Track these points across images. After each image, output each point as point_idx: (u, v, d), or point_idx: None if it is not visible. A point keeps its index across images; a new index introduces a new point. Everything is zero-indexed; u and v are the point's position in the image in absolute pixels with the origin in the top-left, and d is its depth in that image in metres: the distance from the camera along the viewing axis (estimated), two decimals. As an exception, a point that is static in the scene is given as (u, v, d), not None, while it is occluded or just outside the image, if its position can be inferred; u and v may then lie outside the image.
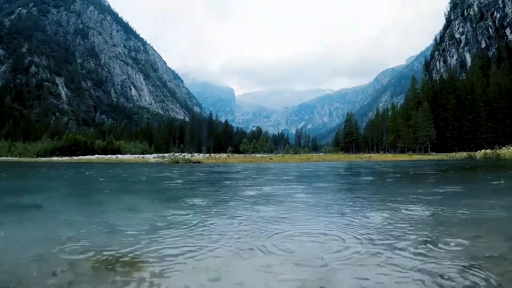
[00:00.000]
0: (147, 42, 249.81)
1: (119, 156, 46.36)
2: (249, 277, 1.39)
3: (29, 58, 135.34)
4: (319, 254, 1.68)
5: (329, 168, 13.95)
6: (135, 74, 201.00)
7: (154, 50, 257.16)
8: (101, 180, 8.60)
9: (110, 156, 45.96)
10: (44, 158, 47.44)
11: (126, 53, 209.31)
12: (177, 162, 21.89)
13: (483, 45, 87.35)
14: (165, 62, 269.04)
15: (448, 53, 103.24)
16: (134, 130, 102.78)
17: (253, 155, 45.59)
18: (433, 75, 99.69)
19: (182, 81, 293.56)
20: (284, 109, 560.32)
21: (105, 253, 1.69)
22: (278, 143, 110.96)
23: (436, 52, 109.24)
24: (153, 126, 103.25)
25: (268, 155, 49.94)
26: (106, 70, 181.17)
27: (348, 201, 3.67)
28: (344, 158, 28.97)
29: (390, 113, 67.69)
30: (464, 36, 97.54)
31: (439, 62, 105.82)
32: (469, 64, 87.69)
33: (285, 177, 7.99)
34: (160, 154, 48.23)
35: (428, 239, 1.95)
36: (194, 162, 21.45)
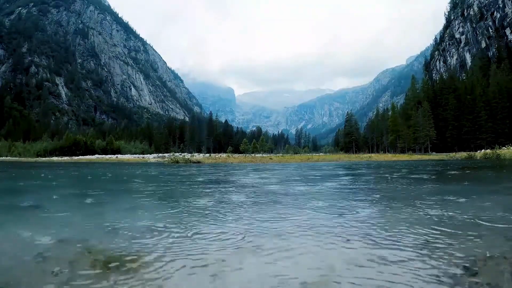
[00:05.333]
0: (147, 42, 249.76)
1: (119, 156, 46.36)
2: (250, 277, 1.38)
3: (29, 58, 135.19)
4: (320, 253, 1.69)
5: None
6: (135, 74, 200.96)
7: (154, 50, 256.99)
8: (100, 180, 8.60)
9: (110, 156, 45.96)
10: (44, 158, 47.41)
11: (126, 53, 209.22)
12: (177, 162, 21.89)
13: (483, 45, 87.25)
14: (165, 62, 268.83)
15: (448, 53, 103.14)
16: (134, 130, 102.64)
17: (253, 155, 45.57)
18: (433, 75, 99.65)
19: (182, 81, 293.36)
20: (284, 109, 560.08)
21: (105, 253, 1.69)
22: (278, 143, 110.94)
23: (436, 52, 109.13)
24: (153, 126, 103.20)
25: (268, 155, 49.92)
26: (106, 70, 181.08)
27: (357, 200, 3.67)
28: (345, 158, 28.98)
29: (390, 113, 67.68)
30: (464, 36, 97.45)
31: (439, 62, 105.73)
32: (469, 64, 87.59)
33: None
34: (160, 154, 48.24)
35: (428, 239, 1.95)
36: (194, 162, 21.44)
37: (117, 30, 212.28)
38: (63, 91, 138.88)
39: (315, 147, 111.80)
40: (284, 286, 1.28)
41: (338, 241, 1.93)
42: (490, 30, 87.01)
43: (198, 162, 21.90)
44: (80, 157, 45.14)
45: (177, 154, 36.90)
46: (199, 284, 1.30)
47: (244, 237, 2.05)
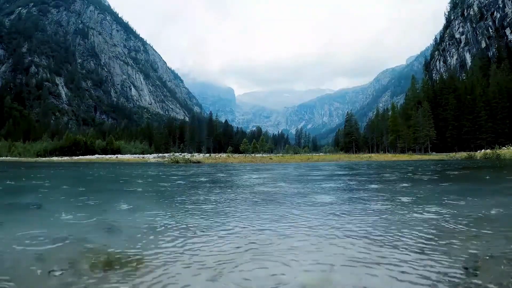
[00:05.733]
0: (147, 42, 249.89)
1: (119, 156, 46.35)
2: (249, 277, 1.37)
3: (29, 58, 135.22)
4: (320, 253, 1.69)
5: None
6: (135, 74, 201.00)
7: (154, 50, 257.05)
8: (100, 180, 8.60)
9: (110, 156, 45.95)
10: (44, 158, 47.41)
11: (126, 53, 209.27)
12: (177, 162, 21.88)
13: (483, 45, 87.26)
14: (165, 62, 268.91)
15: (448, 53, 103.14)
16: (134, 130, 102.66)
17: (253, 155, 45.59)
18: (433, 75, 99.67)
19: (182, 81, 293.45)
20: (284, 109, 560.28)
21: (105, 253, 1.69)
22: (278, 143, 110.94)
23: (436, 52, 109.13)
24: (153, 126, 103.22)
25: (268, 155, 49.92)
26: (106, 70, 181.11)
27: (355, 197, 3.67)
28: (345, 158, 28.99)
29: (390, 113, 67.69)
30: (464, 36, 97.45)
31: (439, 62, 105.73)
32: (469, 64, 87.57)
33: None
34: (160, 154, 48.24)
35: (428, 238, 1.95)
36: (194, 162, 21.44)
37: (117, 30, 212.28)
38: (63, 91, 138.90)
39: (315, 147, 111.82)
40: (284, 286, 1.28)
41: (338, 241, 1.93)
42: (490, 30, 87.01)
43: (198, 162, 21.89)
44: (80, 157, 45.14)
45: (177, 154, 36.90)
46: (199, 284, 1.29)
47: (244, 237, 2.05)
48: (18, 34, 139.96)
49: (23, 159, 47.63)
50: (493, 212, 2.84)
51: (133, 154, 55.73)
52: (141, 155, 47.97)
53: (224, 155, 42.36)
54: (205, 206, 3.42)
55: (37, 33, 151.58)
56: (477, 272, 1.38)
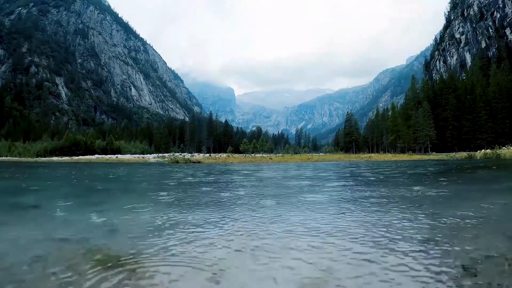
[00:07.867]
0: (147, 42, 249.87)
1: (119, 156, 46.33)
2: (250, 277, 1.38)
3: (29, 58, 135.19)
4: (319, 253, 1.68)
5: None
6: (135, 74, 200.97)
7: (154, 50, 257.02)
8: (100, 180, 8.60)
9: (110, 156, 45.92)
10: (44, 158, 47.38)
11: (126, 53, 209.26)
12: (177, 162, 21.88)
13: (483, 45, 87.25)
14: (165, 62, 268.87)
15: (448, 53, 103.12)
16: (134, 130, 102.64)
17: (253, 155, 45.61)
18: (433, 75, 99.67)
19: (182, 81, 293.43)
20: (284, 109, 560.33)
21: (105, 253, 1.68)
22: (278, 143, 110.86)
23: (436, 52, 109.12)
24: (153, 126, 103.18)
25: (268, 155, 49.92)
26: (106, 70, 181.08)
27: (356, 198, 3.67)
28: (345, 158, 29.00)
29: (390, 113, 67.69)
30: (464, 36, 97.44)
31: (439, 62, 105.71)
32: (469, 64, 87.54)
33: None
34: (160, 154, 48.22)
35: (428, 239, 1.95)
36: (194, 162, 21.44)
37: (117, 30, 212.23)
38: (63, 91, 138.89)
39: (315, 147, 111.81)
40: (284, 287, 1.28)
41: (337, 241, 1.93)
42: (490, 30, 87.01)
43: (198, 162, 21.89)
44: (80, 157, 45.11)
45: (177, 154, 36.88)
46: (199, 284, 1.29)
47: (244, 237, 2.05)
48: (18, 34, 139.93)
49: (23, 159, 47.58)
50: (493, 211, 2.84)
51: (133, 154, 55.71)
52: (141, 155, 47.97)
53: (224, 155, 42.37)
54: (205, 206, 3.42)
55: (37, 33, 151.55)
56: (477, 272, 1.37)
